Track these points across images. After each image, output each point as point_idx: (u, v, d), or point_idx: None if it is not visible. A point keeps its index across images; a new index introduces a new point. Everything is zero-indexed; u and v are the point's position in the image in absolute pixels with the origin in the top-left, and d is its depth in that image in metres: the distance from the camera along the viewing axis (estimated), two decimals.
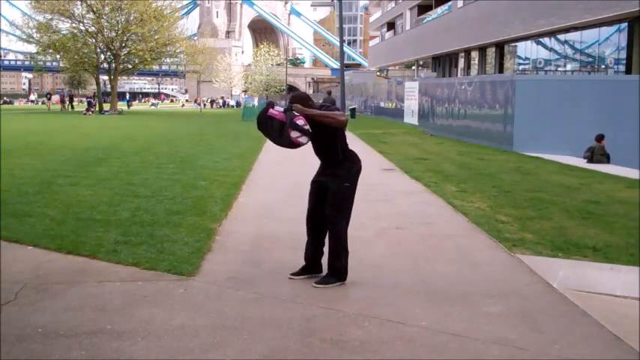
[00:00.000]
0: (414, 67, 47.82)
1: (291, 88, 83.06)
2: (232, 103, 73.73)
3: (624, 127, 14.16)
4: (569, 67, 24.79)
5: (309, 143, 4.40)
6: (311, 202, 4.62)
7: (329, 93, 30.41)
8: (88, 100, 46.09)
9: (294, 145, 4.26)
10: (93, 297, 4.15)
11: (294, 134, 4.19)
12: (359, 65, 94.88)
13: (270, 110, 4.27)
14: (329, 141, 4.42)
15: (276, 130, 4.24)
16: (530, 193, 8.73)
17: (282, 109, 4.28)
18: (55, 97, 56.52)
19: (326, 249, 4.58)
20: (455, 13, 34.02)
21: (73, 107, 49.25)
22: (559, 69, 25.59)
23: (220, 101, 73.74)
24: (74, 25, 42.57)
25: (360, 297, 4.25)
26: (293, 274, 4.64)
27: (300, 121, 4.20)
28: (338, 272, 4.48)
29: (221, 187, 8.87)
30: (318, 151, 4.56)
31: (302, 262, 4.70)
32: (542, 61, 26.78)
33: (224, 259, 5.14)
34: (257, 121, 4.36)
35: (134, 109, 52.08)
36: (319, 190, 4.54)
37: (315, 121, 4.27)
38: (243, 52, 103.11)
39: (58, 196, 7.87)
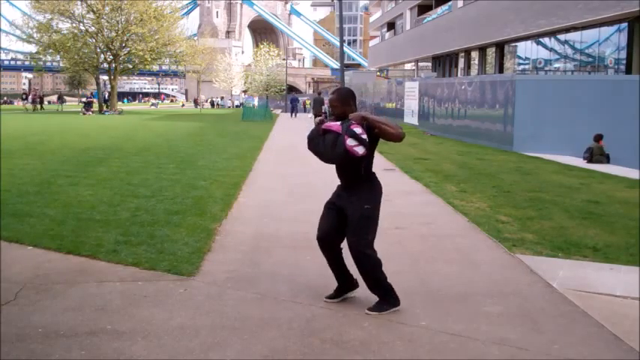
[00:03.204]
0: (413, 67, 47.82)
1: (291, 88, 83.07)
2: (236, 103, 73.46)
3: (624, 127, 14.16)
4: (569, 67, 24.78)
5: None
6: (324, 227, 4.11)
7: (319, 93, 30.53)
8: (89, 100, 45.88)
9: (348, 154, 3.86)
10: (93, 297, 4.15)
11: (350, 142, 3.83)
12: (359, 65, 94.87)
13: (326, 124, 3.98)
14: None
15: (329, 143, 3.91)
16: (530, 193, 8.73)
17: (338, 122, 3.97)
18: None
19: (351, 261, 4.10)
20: (455, 13, 34.01)
21: (42, 107, 47.15)
22: (559, 69, 25.58)
23: (204, 99, 73.30)
24: (74, 25, 42.63)
25: (360, 297, 4.25)
26: (328, 298, 4.21)
27: (358, 130, 3.85)
28: (387, 296, 4.04)
29: (221, 187, 8.87)
30: (340, 168, 4.11)
31: (303, 262, 4.70)
32: (542, 61, 26.78)
33: (224, 259, 5.14)
34: (308, 139, 4.07)
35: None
36: (334, 214, 4.07)
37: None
38: (243, 52, 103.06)
39: (58, 196, 7.87)
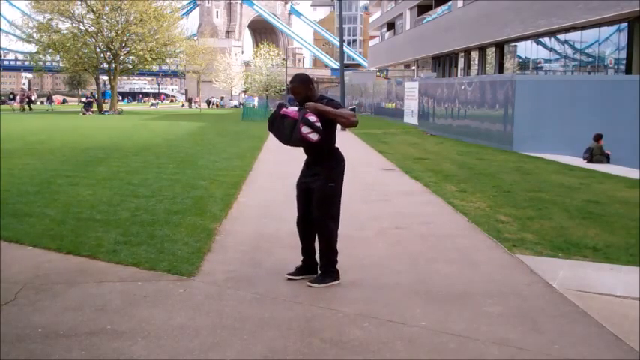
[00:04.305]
0: (413, 67, 47.82)
1: None
2: (234, 103, 73.19)
3: (624, 127, 14.16)
4: (569, 67, 24.78)
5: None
6: (300, 207, 4.57)
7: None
8: (89, 100, 45.71)
9: (303, 141, 4.27)
10: (93, 297, 4.15)
11: (304, 130, 4.21)
12: (359, 65, 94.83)
13: (284, 109, 4.34)
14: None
15: (288, 129, 4.28)
16: (530, 193, 8.73)
17: (295, 108, 4.33)
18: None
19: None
20: (455, 13, 34.02)
21: (31, 108, 44.46)
22: (558, 69, 25.58)
23: (199, 100, 73.10)
24: (74, 25, 42.58)
25: (360, 297, 4.25)
26: (290, 274, 4.62)
27: (312, 118, 4.22)
28: (330, 271, 4.51)
29: (221, 187, 8.87)
30: (304, 147, 4.51)
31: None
32: (542, 61, 26.79)
33: (224, 259, 5.14)
34: (269, 121, 4.43)
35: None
36: (305, 192, 4.50)
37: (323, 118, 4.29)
38: (243, 52, 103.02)
39: (58, 196, 7.87)
